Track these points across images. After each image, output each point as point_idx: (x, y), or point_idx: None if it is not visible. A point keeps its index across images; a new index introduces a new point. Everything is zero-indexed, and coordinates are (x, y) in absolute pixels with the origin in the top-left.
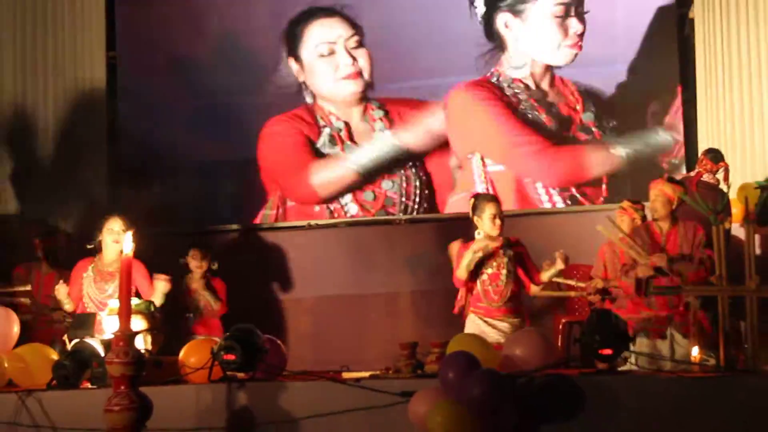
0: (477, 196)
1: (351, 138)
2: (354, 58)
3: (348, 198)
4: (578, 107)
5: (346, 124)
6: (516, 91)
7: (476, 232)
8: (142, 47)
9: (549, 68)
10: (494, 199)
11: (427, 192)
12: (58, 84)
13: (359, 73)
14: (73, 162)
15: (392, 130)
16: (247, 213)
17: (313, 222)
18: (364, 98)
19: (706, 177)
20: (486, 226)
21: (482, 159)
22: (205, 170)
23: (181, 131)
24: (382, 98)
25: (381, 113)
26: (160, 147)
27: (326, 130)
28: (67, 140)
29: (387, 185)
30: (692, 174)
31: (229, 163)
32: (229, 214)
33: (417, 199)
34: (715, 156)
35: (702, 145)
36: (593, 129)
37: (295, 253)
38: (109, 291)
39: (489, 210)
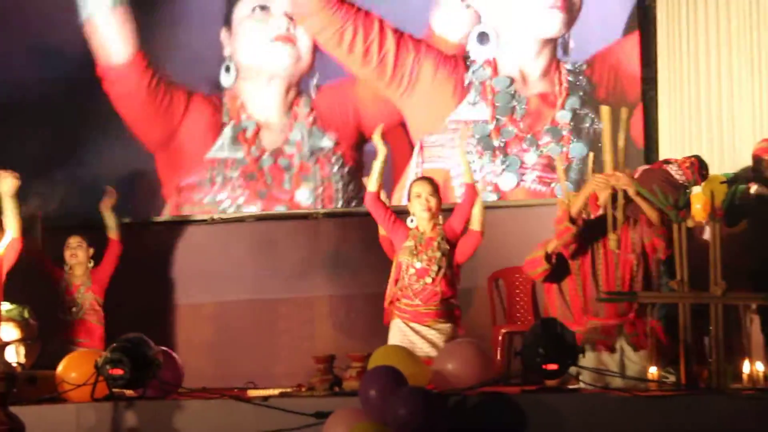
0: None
1: (259, 140)
2: (291, 20)
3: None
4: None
5: (257, 123)
6: (475, 74)
7: (408, 220)
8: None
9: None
10: (426, 179)
11: (353, 185)
12: None
13: (294, 41)
14: None
15: (317, 129)
16: (140, 204)
17: (216, 215)
18: (295, 85)
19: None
20: (415, 208)
21: (422, 148)
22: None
23: None
24: (321, 87)
25: (308, 109)
26: None
27: (227, 130)
28: None
29: (302, 195)
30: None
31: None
32: (119, 206)
33: (340, 192)
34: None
35: (663, 137)
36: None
37: (194, 251)
38: None
39: (415, 189)
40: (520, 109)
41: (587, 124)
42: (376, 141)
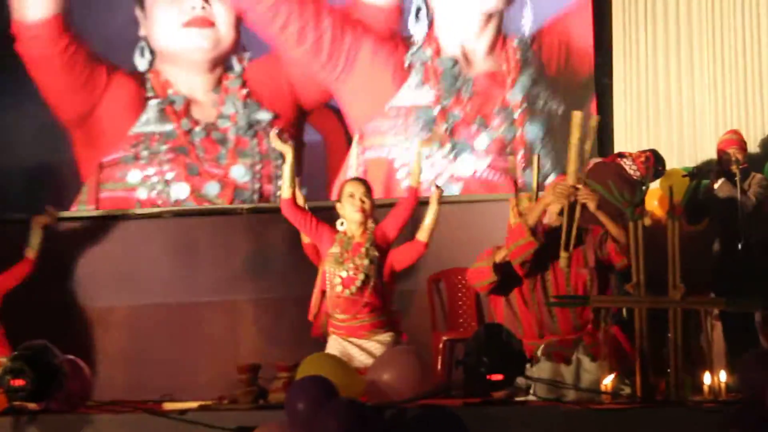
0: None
1: (189, 114)
2: (207, 1)
3: (181, 190)
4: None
5: (185, 98)
6: (415, 55)
7: (338, 223)
8: None
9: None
10: (358, 179)
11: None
12: None
13: (210, 22)
14: None
15: (253, 102)
16: (47, 198)
17: (130, 212)
18: (220, 63)
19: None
20: (346, 210)
21: (362, 136)
22: None
23: None
24: (251, 61)
25: (239, 82)
26: None
27: (153, 104)
28: None
29: (237, 172)
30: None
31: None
32: (22, 200)
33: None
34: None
35: (618, 127)
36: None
37: (105, 249)
38: None
39: (348, 189)
40: (467, 91)
41: (541, 104)
42: (276, 145)
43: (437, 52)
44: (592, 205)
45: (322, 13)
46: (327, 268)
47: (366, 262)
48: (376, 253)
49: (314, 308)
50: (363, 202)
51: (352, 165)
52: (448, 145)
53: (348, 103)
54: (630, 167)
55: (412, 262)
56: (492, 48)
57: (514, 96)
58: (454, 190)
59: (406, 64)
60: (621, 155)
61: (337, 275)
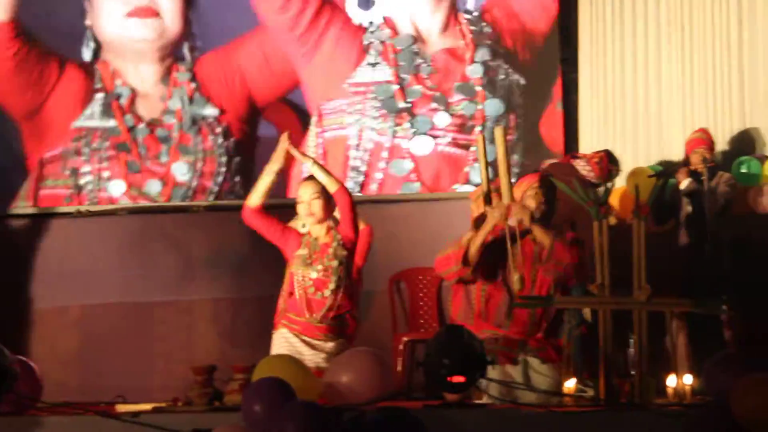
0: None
1: (134, 109)
2: None
3: (117, 187)
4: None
5: (132, 90)
6: (374, 35)
7: (300, 225)
8: None
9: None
10: (309, 180)
11: (239, 161)
12: None
13: (154, 12)
14: None
15: (201, 96)
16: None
17: (83, 208)
18: (170, 53)
19: (582, 168)
20: (300, 213)
21: (320, 116)
22: None
23: None
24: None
25: (188, 75)
26: None
27: (98, 97)
28: None
29: (179, 169)
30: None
31: None
32: None
33: (223, 168)
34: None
35: (584, 125)
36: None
37: (57, 248)
38: None
39: (299, 193)
40: (426, 67)
41: (501, 77)
42: (292, 151)
43: (394, 31)
44: (526, 220)
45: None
46: (294, 270)
47: (335, 263)
48: (344, 253)
49: (281, 313)
50: (311, 205)
51: (310, 146)
52: (408, 120)
53: (309, 80)
54: (584, 168)
55: (367, 249)
56: (446, 24)
57: (474, 70)
58: (413, 188)
59: (365, 43)
60: (574, 156)
61: (307, 278)
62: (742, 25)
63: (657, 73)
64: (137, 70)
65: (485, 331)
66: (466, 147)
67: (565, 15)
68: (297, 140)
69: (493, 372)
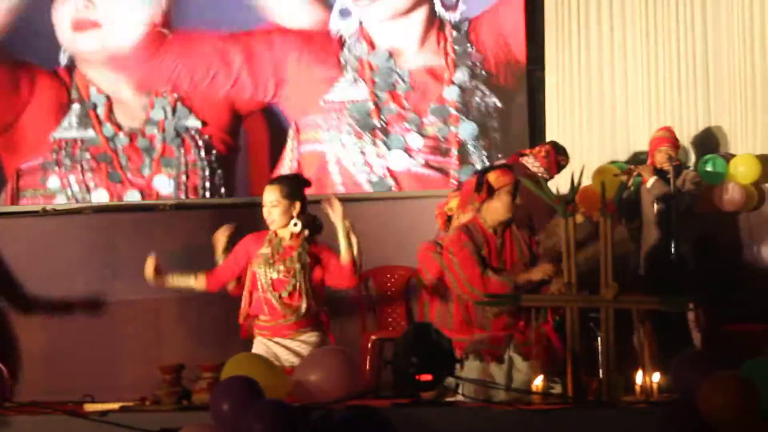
0: None
1: (112, 117)
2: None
3: (101, 197)
4: None
5: (108, 98)
6: (351, 51)
7: (291, 223)
8: None
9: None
10: (272, 184)
11: (221, 174)
12: None
13: (97, 24)
14: None
15: (183, 107)
16: None
17: (49, 207)
18: None
19: (531, 165)
20: (264, 213)
21: (298, 130)
22: None
23: None
24: None
25: (170, 85)
26: None
27: (75, 107)
28: None
29: (160, 182)
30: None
31: None
32: None
33: (206, 182)
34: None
35: (551, 123)
36: None
37: (23, 247)
38: None
39: (264, 196)
40: (403, 85)
41: (477, 99)
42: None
43: (371, 46)
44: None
45: (229, 53)
46: (256, 268)
47: (297, 266)
48: (308, 259)
49: (244, 310)
50: (270, 213)
51: (287, 158)
52: (383, 139)
53: (284, 102)
54: (533, 164)
55: (338, 288)
56: (424, 40)
57: (451, 92)
58: (384, 186)
59: (342, 61)
60: (522, 154)
61: (268, 277)
62: (707, 24)
63: (623, 71)
64: (109, 81)
65: (476, 335)
66: (441, 170)
67: (532, 12)
68: (263, 149)
69: (473, 369)
